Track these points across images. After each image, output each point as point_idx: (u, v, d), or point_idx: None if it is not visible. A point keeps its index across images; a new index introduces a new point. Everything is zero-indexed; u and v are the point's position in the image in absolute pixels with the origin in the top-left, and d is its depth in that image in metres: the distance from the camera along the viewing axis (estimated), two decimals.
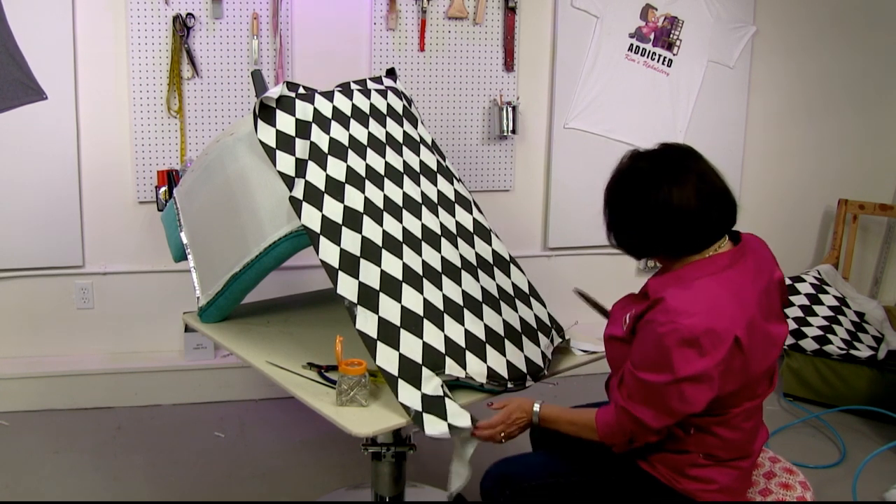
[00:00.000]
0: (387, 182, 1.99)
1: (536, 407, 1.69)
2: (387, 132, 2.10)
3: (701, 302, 1.44)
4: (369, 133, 2.05)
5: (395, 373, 1.67)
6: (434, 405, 1.64)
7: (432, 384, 1.68)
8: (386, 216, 1.91)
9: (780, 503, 1.67)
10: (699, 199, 1.50)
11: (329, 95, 2.04)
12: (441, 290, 1.87)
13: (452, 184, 2.16)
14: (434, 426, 1.61)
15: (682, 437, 1.57)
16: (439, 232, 1.99)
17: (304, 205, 1.81)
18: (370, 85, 2.17)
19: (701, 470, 1.58)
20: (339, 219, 1.82)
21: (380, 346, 1.69)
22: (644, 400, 1.49)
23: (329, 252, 1.77)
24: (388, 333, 1.71)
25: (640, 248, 1.61)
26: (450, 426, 1.61)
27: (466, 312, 1.87)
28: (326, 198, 1.84)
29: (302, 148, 1.91)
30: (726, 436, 1.56)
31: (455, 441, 1.65)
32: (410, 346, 1.71)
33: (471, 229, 2.10)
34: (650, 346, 1.46)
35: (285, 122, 1.93)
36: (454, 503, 1.68)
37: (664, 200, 1.51)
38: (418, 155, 2.14)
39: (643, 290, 1.62)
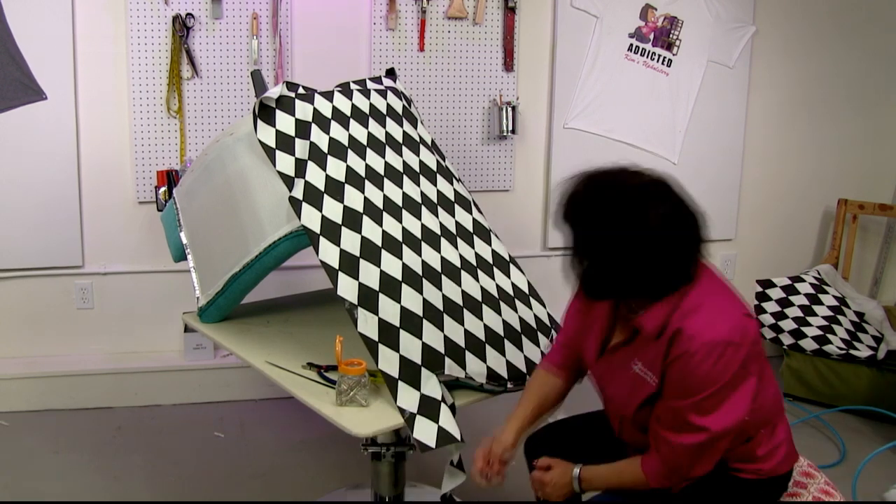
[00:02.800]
0: (386, 182, 1.99)
1: (576, 472, 1.62)
2: (386, 132, 2.10)
3: (710, 310, 1.46)
4: (369, 133, 2.05)
5: (396, 375, 1.67)
6: (429, 407, 1.64)
7: (430, 384, 1.68)
8: (385, 216, 1.91)
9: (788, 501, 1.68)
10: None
11: (329, 95, 2.04)
12: (441, 290, 1.87)
13: (452, 184, 2.16)
14: (423, 430, 1.60)
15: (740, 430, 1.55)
16: (439, 232, 1.99)
17: (304, 205, 1.81)
18: (370, 85, 2.17)
19: (765, 445, 1.58)
20: (338, 219, 1.82)
21: (381, 348, 1.69)
22: (704, 410, 1.45)
23: (329, 252, 1.77)
24: (389, 335, 1.71)
25: (657, 281, 1.47)
26: (439, 430, 1.61)
27: (466, 312, 1.87)
28: (326, 198, 1.84)
29: (302, 148, 1.92)
30: (766, 399, 1.57)
31: (451, 447, 1.65)
32: (410, 346, 1.71)
33: (470, 229, 2.10)
34: (689, 376, 1.44)
35: (285, 123, 1.94)
36: (444, 503, 1.67)
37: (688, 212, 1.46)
38: (418, 155, 2.14)
39: (632, 327, 1.55)
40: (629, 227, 1.42)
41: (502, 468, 1.69)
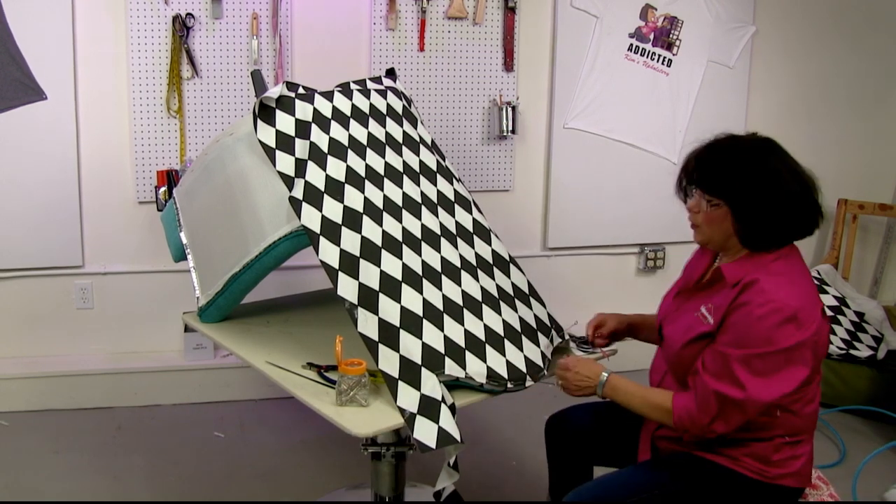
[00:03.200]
0: (386, 182, 1.99)
1: (604, 376, 1.68)
2: (386, 132, 2.10)
3: (789, 281, 1.52)
4: (369, 133, 2.05)
5: (396, 375, 1.67)
6: (429, 407, 1.64)
7: (430, 384, 1.68)
8: (385, 216, 1.91)
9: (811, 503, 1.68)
10: (815, 186, 1.64)
11: (329, 95, 2.04)
12: (441, 290, 1.87)
13: (452, 184, 2.16)
14: (424, 430, 1.60)
15: (767, 423, 1.58)
16: (439, 232, 1.99)
17: (304, 205, 1.81)
18: (370, 85, 2.17)
19: (783, 453, 1.60)
20: (338, 219, 1.82)
21: (381, 348, 1.69)
22: (752, 369, 1.49)
23: (329, 252, 1.77)
24: (389, 335, 1.71)
25: (775, 232, 1.57)
26: (439, 430, 1.61)
27: (466, 312, 1.87)
28: (326, 198, 1.84)
29: (302, 148, 1.91)
30: (806, 411, 1.59)
31: (450, 448, 1.65)
32: (410, 346, 1.71)
33: (470, 229, 2.10)
34: (746, 328, 1.49)
35: (285, 122, 1.93)
36: (451, 502, 1.67)
37: (808, 179, 1.62)
38: (418, 155, 2.14)
39: (713, 276, 1.64)
40: (754, 175, 1.56)
41: (602, 341, 1.95)
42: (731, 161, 1.59)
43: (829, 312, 3.37)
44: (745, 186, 1.55)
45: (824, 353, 1.59)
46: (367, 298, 1.74)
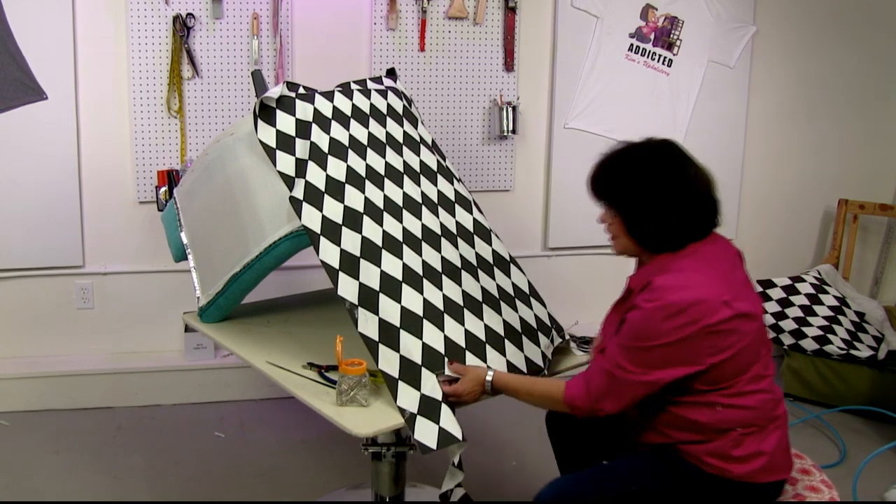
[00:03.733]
0: (387, 182, 1.99)
1: (489, 376, 1.71)
2: (387, 132, 2.10)
3: (685, 278, 1.51)
4: (369, 133, 2.05)
5: (396, 375, 1.67)
6: (429, 407, 1.64)
7: (430, 384, 1.68)
8: (386, 216, 1.91)
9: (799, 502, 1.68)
10: (710, 183, 1.61)
11: (329, 95, 2.04)
12: (441, 290, 1.87)
13: (452, 184, 2.16)
14: (424, 431, 1.60)
15: (713, 421, 1.56)
16: (439, 232, 1.99)
17: (305, 205, 1.81)
18: (370, 85, 2.17)
19: (745, 448, 1.57)
20: (339, 219, 1.82)
21: (381, 348, 1.69)
22: (631, 358, 1.52)
23: (329, 252, 1.77)
24: (389, 335, 1.71)
25: (667, 234, 1.57)
26: (440, 431, 1.61)
27: (466, 312, 1.87)
28: (326, 198, 1.84)
29: (302, 148, 1.92)
30: (750, 403, 1.57)
31: (452, 447, 1.65)
32: (410, 346, 1.72)
33: (471, 229, 2.10)
34: (637, 323, 1.51)
35: (285, 122, 1.94)
36: (463, 503, 1.67)
37: (697, 177, 1.58)
38: (418, 155, 2.14)
39: (624, 292, 1.67)
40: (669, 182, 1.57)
41: None
42: (618, 168, 1.63)
43: (829, 312, 3.37)
44: (630, 191, 1.58)
45: (747, 343, 1.54)
46: (368, 298, 1.74)
